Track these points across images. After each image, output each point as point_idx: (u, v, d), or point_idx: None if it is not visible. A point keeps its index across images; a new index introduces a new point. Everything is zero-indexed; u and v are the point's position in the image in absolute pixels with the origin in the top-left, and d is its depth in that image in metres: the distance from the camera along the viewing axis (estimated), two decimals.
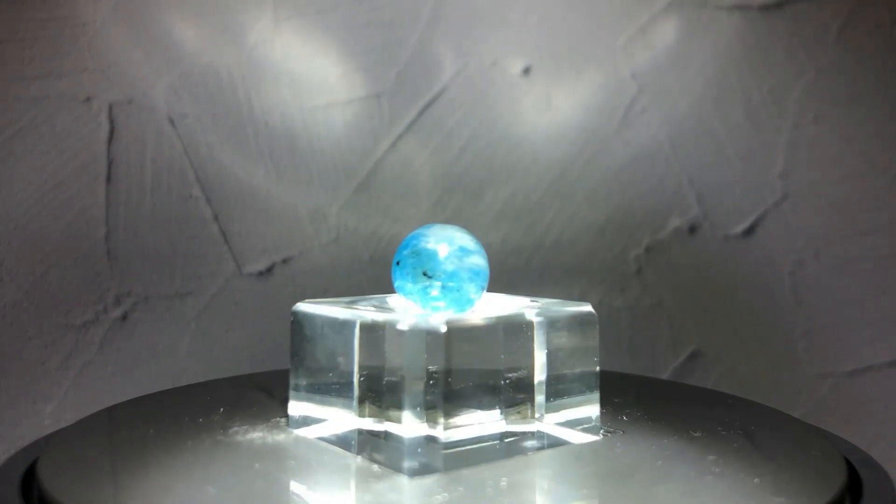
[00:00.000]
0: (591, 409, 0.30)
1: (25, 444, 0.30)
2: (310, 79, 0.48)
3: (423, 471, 0.26)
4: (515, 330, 0.28)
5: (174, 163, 0.47)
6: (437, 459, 0.26)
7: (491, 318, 0.28)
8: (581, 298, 0.48)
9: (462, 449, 0.27)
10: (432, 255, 0.29)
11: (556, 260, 0.48)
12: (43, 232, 0.46)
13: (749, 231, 0.48)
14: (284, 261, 0.48)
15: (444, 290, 0.29)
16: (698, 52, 0.47)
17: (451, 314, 0.29)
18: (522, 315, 0.29)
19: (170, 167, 0.47)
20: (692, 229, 0.48)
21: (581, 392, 0.30)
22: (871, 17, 0.47)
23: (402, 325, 0.26)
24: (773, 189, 0.47)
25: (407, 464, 0.26)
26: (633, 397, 0.36)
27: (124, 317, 0.47)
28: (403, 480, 0.25)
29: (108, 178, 0.47)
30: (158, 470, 0.26)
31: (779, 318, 0.48)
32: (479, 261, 0.30)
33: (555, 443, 0.29)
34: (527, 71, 0.48)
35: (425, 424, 0.26)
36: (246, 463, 0.27)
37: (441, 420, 0.26)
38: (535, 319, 0.29)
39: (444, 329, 0.26)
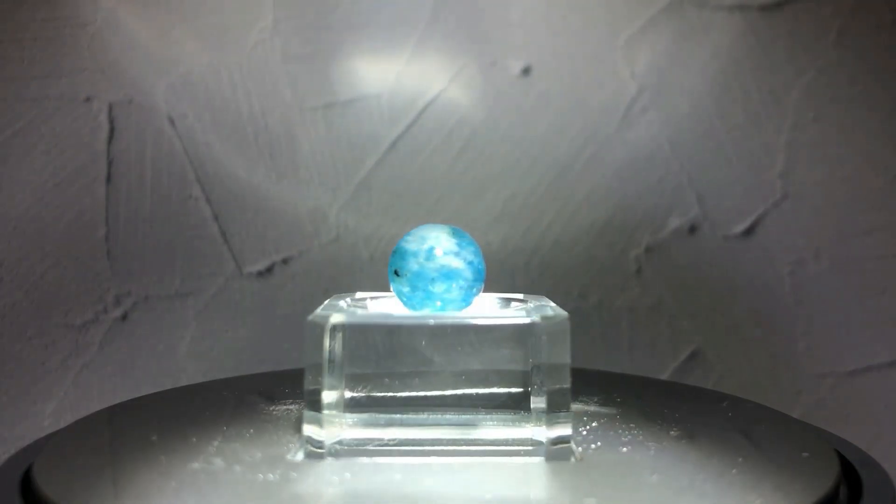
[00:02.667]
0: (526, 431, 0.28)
1: (25, 445, 0.30)
2: (310, 79, 0.48)
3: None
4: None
5: (174, 163, 0.47)
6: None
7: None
8: (581, 298, 0.48)
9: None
10: (404, 254, 0.30)
11: (556, 260, 0.48)
12: (43, 232, 0.46)
13: (749, 231, 0.48)
14: (284, 261, 0.48)
15: (412, 290, 0.30)
16: (698, 52, 0.47)
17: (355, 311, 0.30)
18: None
19: (170, 167, 0.47)
20: (692, 229, 0.48)
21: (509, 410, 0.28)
22: (871, 17, 0.47)
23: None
24: (773, 189, 0.47)
25: None
26: (632, 397, 0.36)
27: (124, 317, 0.47)
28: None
29: (108, 178, 0.47)
30: (158, 471, 0.26)
31: (779, 318, 0.48)
32: (452, 261, 0.30)
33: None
34: (527, 71, 0.48)
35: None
36: (246, 464, 0.27)
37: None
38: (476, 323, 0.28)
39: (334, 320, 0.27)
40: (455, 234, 0.31)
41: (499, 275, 0.48)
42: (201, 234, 0.48)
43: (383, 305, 0.33)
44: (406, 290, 0.30)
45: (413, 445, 0.28)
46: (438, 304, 0.30)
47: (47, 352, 0.47)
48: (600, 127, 0.48)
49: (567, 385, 0.27)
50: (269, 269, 0.48)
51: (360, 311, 0.30)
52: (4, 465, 0.27)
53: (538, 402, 0.28)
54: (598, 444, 0.29)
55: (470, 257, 0.30)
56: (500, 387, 0.28)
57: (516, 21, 0.48)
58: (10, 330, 0.46)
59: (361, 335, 0.28)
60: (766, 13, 0.47)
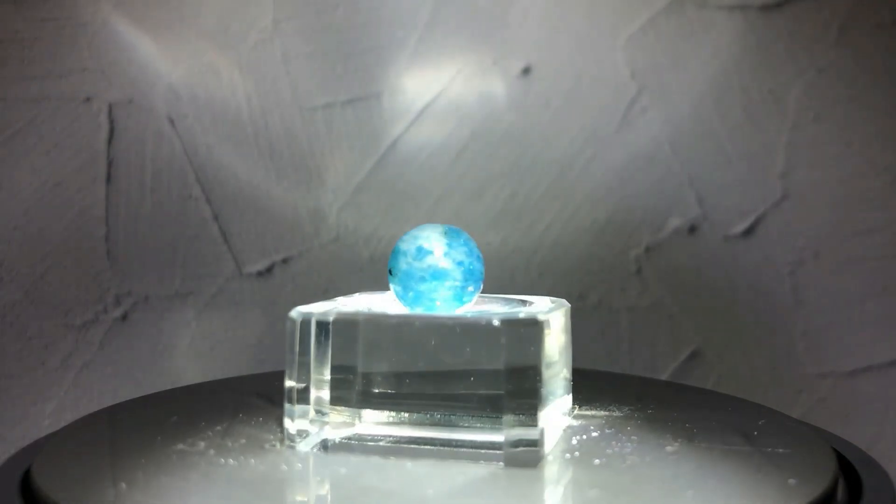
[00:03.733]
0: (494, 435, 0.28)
1: (25, 444, 0.30)
2: (310, 79, 0.48)
3: None
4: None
5: (174, 163, 0.47)
6: None
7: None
8: (581, 298, 0.48)
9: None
10: (396, 254, 0.30)
11: (556, 260, 0.48)
12: (43, 232, 0.46)
13: (749, 231, 0.48)
14: (284, 261, 0.48)
15: (403, 289, 0.30)
16: (698, 52, 0.47)
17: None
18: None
19: (170, 167, 0.47)
20: (692, 229, 0.48)
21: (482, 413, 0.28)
22: (871, 17, 0.47)
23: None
24: (773, 189, 0.47)
25: None
26: (632, 398, 0.36)
27: (124, 317, 0.47)
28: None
29: (108, 178, 0.47)
30: (158, 471, 0.26)
31: (779, 318, 0.48)
32: (441, 262, 0.30)
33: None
34: (527, 71, 0.48)
35: None
36: (246, 464, 0.27)
37: None
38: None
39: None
40: (448, 234, 0.31)
41: (499, 275, 0.48)
42: (201, 234, 0.48)
43: (377, 304, 0.33)
44: (399, 289, 0.30)
45: (379, 441, 0.28)
46: (438, 304, 0.30)
47: (47, 352, 0.47)
48: (600, 127, 0.48)
49: (535, 387, 0.27)
50: (269, 269, 0.48)
51: (329, 308, 0.30)
52: (4, 465, 0.27)
53: (506, 405, 0.27)
54: (580, 449, 0.29)
55: (460, 258, 0.30)
56: (471, 388, 0.28)
57: (516, 21, 0.48)
58: (10, 330, 0.46)
59: (325, 331, 0.29)
60: (766, 13, 0.47)
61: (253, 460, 0.27)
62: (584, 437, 0.30)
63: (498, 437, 0.27)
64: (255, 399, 0.35)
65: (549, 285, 0.48)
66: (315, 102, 0.48)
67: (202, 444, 0.29)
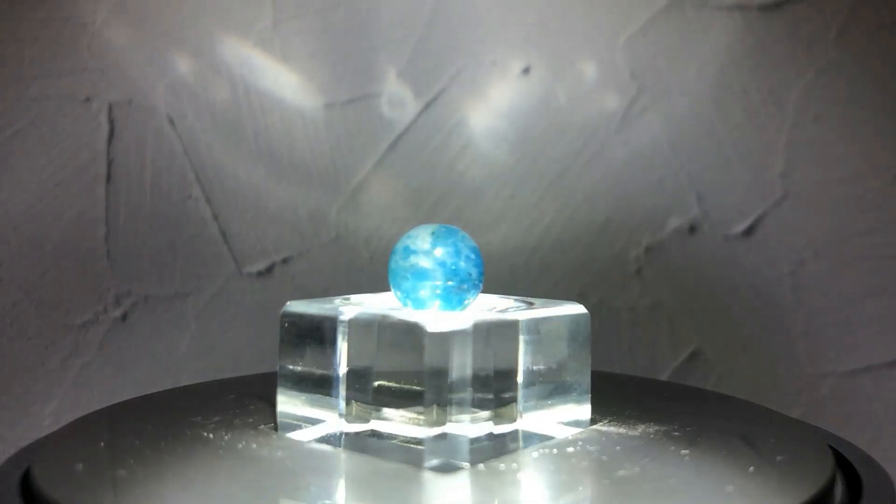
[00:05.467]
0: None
1: (25, 444, 0.30)
2: (309, 79, 0.48)
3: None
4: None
5: (174, 163, 0.47)
6: None
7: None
8: (581, 298, 0.48)
9: None
10: (391, 253, 0.31)
11: (556, 260, 0.48)
12: (43, 232, 0.46)
13: (749, 231, 0.48)
14: (284, 261, 0.48)
15: (394, 287, 0.31)
16: (698, 52, 0.47)
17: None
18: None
19: (170, 167, 0.47)
20: (692, 229, 0.48)
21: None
22: (871, 17, 0.47)
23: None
24: (773, 189, 0.47)
25: None
26: (632, 398, 0.36)
27: (124, 317, 0.47)
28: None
29: (108, 178, 0.47)
30: (157, 471, 0.26)
31: (779, 318, 0.48)
32: (422, 261, 0.30)
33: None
34: (527, 71, 0.48)
35: None
36: (247, 464, 0.27)
37: None
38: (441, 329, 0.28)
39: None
40: (436, 234, 0.30)
41: (499, 275, 0.48)
42: (201, 234, 0.48)
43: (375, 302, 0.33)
44: (392, 288, 0.31)
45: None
46: (438, 303, 0.30)
47: (47, 352, 0.47)
48: (600, 127, 0.48)
49: (436, 387, 0.27)
50: (269, 269, 0.48)
51: (305, 304, 0.31)
52: (4, 465, 0.27)
53: (425, 404, 0.27)
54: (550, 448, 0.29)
55: (444, 258, 0.30)
56: (404, 384, 0.28)
57: (516, 21, 0.48)
58: (10, 330, 0.46)
59: (297, 326, 0.30)
60: (766, 13, 0.47)
61: (252, 460, 0.27)
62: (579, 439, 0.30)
63: (417, 434, 0.27)
64: (255, 399, 0.35)
65: (549, 285, 0.48)
66: (315, 102, 0.48)
67: (202, 444, 0.29)
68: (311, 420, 0.30)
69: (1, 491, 0.25)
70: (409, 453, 0.27)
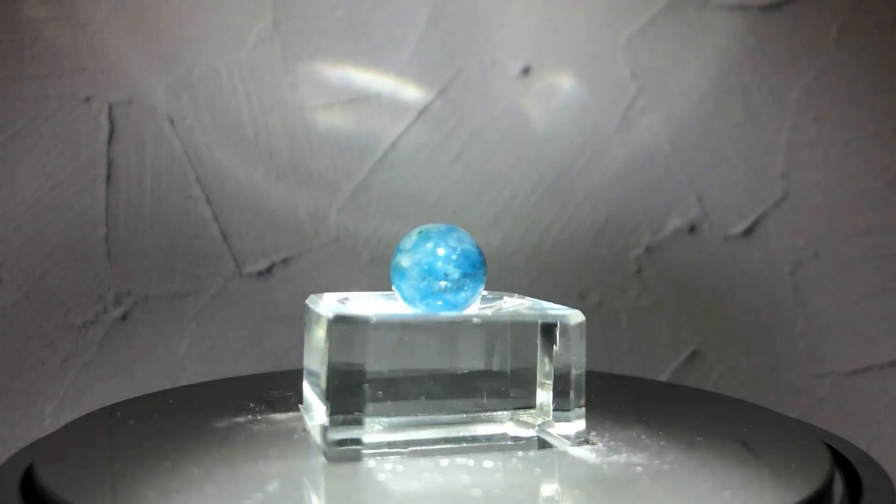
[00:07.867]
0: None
1: (25, 444, 0.30)
2: (309, 79, 0.48)
3: None
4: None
5: (174, 163, 0.47)
6: None
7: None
8: (581, 298, 0.48)
9: None
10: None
11: (556, 260, 0.48)
12: (43, 232, 0.46)
13: (749, 231, 0.48)
14: (284, 261, 0.48)
15: (394, 286, 0.31)
16: (698, 52, 0.47)
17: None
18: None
19: (170, 167, 0.47)
20: (692, 229, 0.48)
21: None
22: (871, 17, 0.47)
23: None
24: (773, 189, 0.47)
25: None
26: (632, 399, 0.36)
27: (124, 317, 0.47)
28: None
29: (108, 178, 0.47)
30: (157, 471, 0.26)
31: (779, 318, 0.48)
32: (403, 260, 0.30)
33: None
34: (527, 71, 0.48)
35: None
36: (246, 463, 0.27)
37: None
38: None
39: None
40: (423, 234, 0.30)
41: (499, 274, 0.48)
42: (201, 234, 0.48)
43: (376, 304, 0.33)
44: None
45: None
46: (439, 303, 0.30)
47: (47, 352, 0.47)
48: (600, 127, 0.48)
49: (327, 386, 0.27)
50: (269, 269, 0.48)
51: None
52: (4, 465, 0.27)
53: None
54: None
55: (424, 258, 0.30)
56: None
57: (516, 21, 0.48)
58: (10, 330, 0.46)
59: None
60: (766, 13, 0.47)
61: (253, 460, 0.27)
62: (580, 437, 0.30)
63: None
64: (255, 399, 0.35)
65: (549, 285, 0.48)
66: (315, 102, 0.48)
67: (201, 444, 0.29)
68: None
69: (1, 490, 0.25)
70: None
